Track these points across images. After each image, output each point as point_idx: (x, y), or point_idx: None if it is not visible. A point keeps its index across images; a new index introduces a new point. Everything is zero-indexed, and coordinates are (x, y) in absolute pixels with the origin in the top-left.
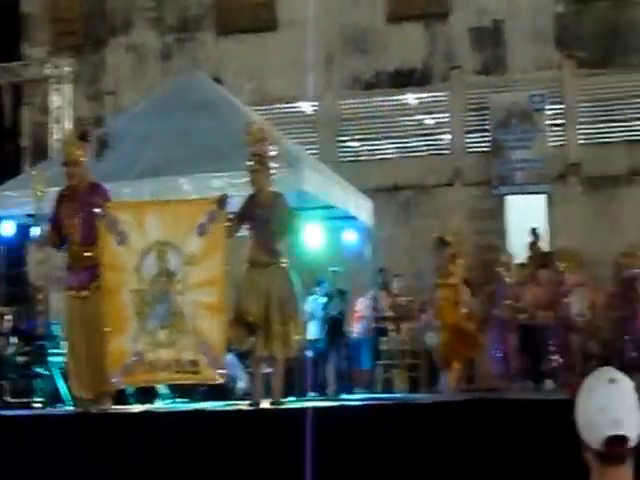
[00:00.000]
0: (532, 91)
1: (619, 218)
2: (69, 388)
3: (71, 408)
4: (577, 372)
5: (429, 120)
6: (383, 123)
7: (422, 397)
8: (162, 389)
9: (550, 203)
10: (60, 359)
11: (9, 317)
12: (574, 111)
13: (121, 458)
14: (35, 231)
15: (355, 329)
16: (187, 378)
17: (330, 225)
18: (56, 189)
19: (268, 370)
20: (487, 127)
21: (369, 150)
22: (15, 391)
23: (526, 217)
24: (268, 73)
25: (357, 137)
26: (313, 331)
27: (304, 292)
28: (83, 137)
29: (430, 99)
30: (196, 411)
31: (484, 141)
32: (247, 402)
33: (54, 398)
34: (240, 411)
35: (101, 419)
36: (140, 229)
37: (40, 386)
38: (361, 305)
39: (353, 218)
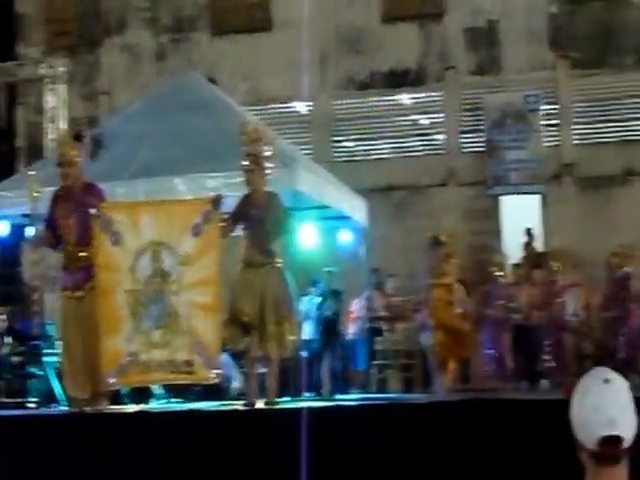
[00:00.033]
0: (527, 91)
1: (614, 218)
2: (63, 388)
3: (65, 408)
4: (571, 372)
5: (424, 120)
6: (378, 123)
7: (417, 397)
8: (157, 389)
9: (545, 203)
10: (54, 359)
11: (3, 317)
12: (568, 111)
13: (116, 458)
14: (30, 231)
15: (350, 330)
16: (182, 378)
17: (324, 225)
18: (51, 189)
19: (263, 370)
20: (482, 127)
21: (364, 150)
22: (9, 391)
23: (521, 217)
24: (263, 73)
25: (352, 137)
26: (308, 331)
27: (299, 292)
28: (78, 137)
29: (425, 99)
30: (191, 411)
31: (479, 141)
32: (242, 402)
33: (49, 398)
34: (235, 411)
35: (96, 419)
36: (135, 229)
37: (35, 386)
38: (356, 306)
39: (347, 218)
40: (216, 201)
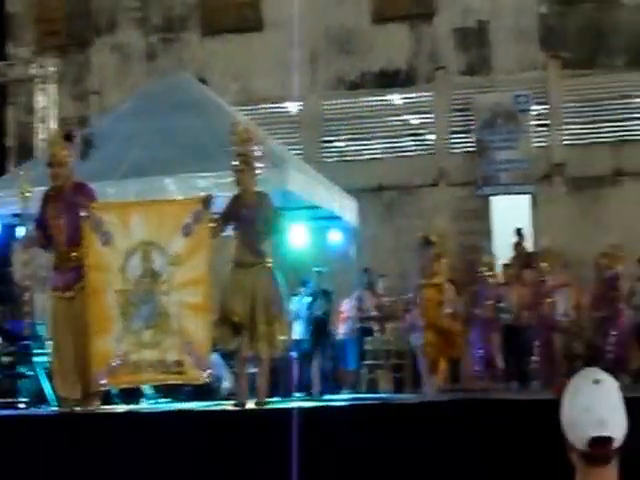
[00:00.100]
0: (517, 91)
1: (604, 218)
2: (53, 388)
3: (56, 408)
4: (561, 372)
5: (414, 120)
6: (368, 123)
7: (407, 397)
8: (147, 389)
9: (535, 203)
10: (44, 359)
11: None
12: (559, 112)
13: (106, 458)
14: (20, 231)
15: (341, 330)
16: (172, 378)
17: (315, 225)
18: (41, 189)
19: (253, 370)
20: (472, 128)
21: (354, 150)
22: None
23: (511, 217)
24: (253, 73)
25: (342, 137)
26: (298, 331)
27: (289, 292)
28: (68, 138)
29: (415, 100)
30: (181, 411)
31: (469, 141)
32: (232, 402)
33: (39, 398)
34: (225, 411)
35: (85, 419)
36: (125, 229)
37: (25, 386)
38: (346, 306)
39: (338, 218)
40: (206, 201)
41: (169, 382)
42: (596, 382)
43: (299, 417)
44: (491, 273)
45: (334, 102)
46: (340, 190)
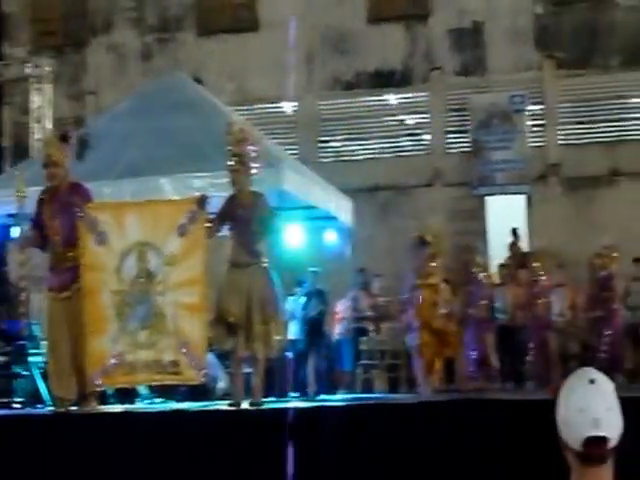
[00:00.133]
0: (512, 92)
1: (599, 219)
2: (49, 388)
3: (51, 408)
4: (556, 372)
5: (409, 121)
6: (363, 124)
7: (403, 397)
8: (142, 389)
9: (530, 204)
10: (40, 359)
11: None
12: (554, 112)
13: (101, 458)
14: (16, 231)
15: (336, 331)
16: (168, 379)
17: (310, 225)
18: (36, 189)
19: (248, 370)
20: (467, 128)
21: (349, 150)
22: None
23: (506, 218)
24: (249, 73)
25: (338, 137)
26: (293, 331)
27: (285, 292)
28: (64, 138)
29: (410, 100)
30: (176, 411)
31: (464, 142)
32: (227, 402)
33: (34, 398)
34: (220, 411)
35: (81, 419)
36: (120, 230)
37: (21, 386)
38: (341, 307)
39: (333, 218)
40: (201, 201)
41: (165, 382)
42: (591, 382)
43: (294, 417)
44: (484, 274)
45: (330, 102)
46: (336, 190)
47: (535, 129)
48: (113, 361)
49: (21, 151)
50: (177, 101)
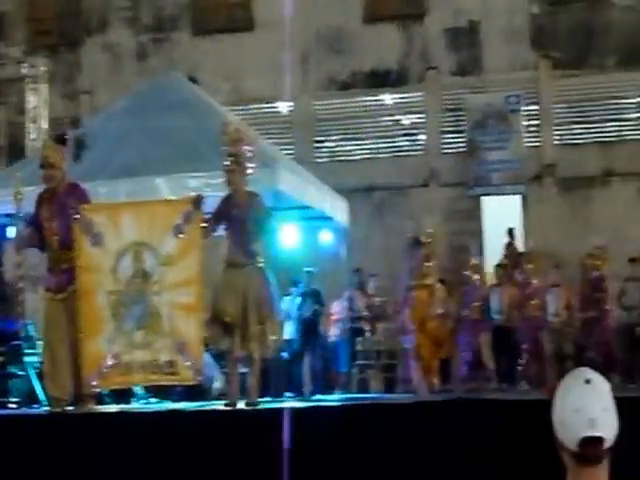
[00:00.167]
0: (508, 92)
1: (594, 219)
2: (44, 388)
3: (47, 408)
4: (550, 373)
5: (405, 121)
6: (359, 124)
7: (398, 397)
8: (138, 389)
9: (525, 204)
10: (35, 359)
11: None
12: (549, 112)
13: (97, 458)
14: (12, 232)
15: (332, 332)
16: (164, 379)
17: (306, 225)
18: (32, 189)
19: (244, 370)
20: (463, 128)
21: (345, 150)
22: None
23: (502, 218)
24: (244, 73)
25: (333, 137)
26: (288, 331)
27: (280, 292)
28: (61, 140)
29: (406, 100)
30: (172, 411)
31: (460, 142)
32: (223, 402)
33: (30, 398)
34: (216, 411)
35: (76, 419)
36: (116, 230)
37: (16, 386)
38: (337, 308)
39: (329, 218)
40: (197, 201)
41: (161, 383)
42: (587, 382)
43: (290, 417)
44: (477, 275)
45: (325, 102)
46: (331, 190)
47: (531, 129)
48: (109, 362)
49: (17, 151)
50: (172, 101)
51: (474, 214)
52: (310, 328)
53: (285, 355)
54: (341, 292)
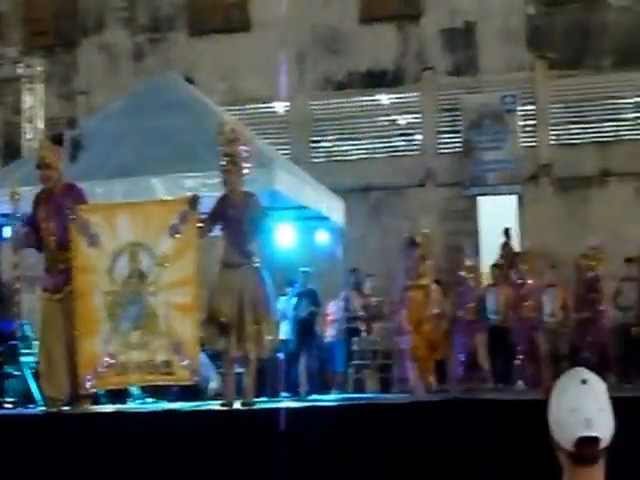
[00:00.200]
0: (504, 92)
1: (590, 219)
2: (40, 388)
3: (42, 408)
4: (546, 373)
5: (401, 121)
6: (355, 124)
7: (394, 397)
8: (134, 389)
9: (521, 204)
10: (31, 359)
11: None
12: (546, 112)
13: (93, 458)
14: (8, 232)
15: (328, 332)
16: (161, 379)
17: (302, 225)
18: (28, 189)
19: (240, 370)
20: (459, 128)
21: (341, 150)
22: None
23: (498, 218)
24: (241, 73)
25: (329, 137)
26: (284, 331)
27: (277, 292)
28: (58, 140)
29: (402, 100)
30: (168, 411)
31: (456, 142)
32: (219, 402)
33: (26, 398)
34: (212, 411)
35: (72, 419)
36: (112, 231)
37: (12, 386)
38: (333, 308)
39: (325, 218)
40: (193, 201)
41: (157, 383)
42: (583, 382)
43: (286, 417)
44: (472, 276)
45: (322, 102)
46: (327, 190)
47: (527, 129)
48: (105, 362)
49: (13, 151)
50: (169, 101)
51: (470, 214)
52: (306, 328)
53: (281, 355)
54: (337, 292)
